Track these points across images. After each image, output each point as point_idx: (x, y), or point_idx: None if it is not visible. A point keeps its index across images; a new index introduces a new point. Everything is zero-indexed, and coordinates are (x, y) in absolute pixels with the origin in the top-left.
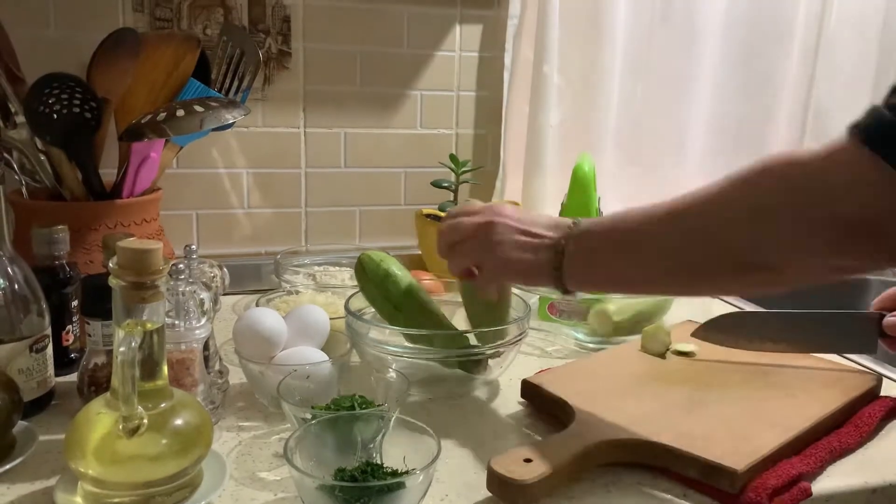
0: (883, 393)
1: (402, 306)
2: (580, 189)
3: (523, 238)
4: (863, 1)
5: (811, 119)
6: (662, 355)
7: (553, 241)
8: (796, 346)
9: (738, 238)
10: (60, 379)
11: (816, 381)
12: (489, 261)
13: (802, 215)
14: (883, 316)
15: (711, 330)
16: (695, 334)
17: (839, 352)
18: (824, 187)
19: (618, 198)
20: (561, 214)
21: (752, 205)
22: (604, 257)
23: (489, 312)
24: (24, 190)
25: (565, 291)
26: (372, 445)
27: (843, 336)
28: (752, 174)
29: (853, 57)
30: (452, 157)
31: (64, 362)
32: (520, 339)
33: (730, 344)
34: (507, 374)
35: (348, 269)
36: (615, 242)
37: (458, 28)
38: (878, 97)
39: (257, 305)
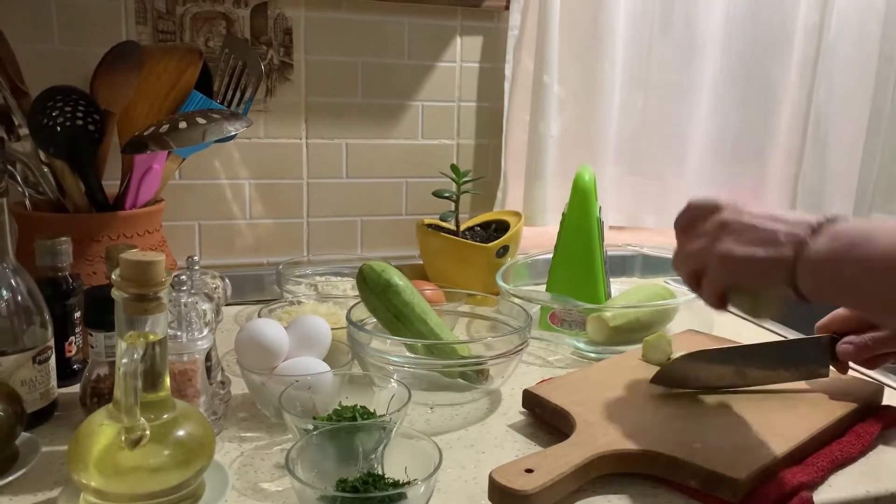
0: (885, 402)
1: (402, 316)
2: (581, 198)
3: (756, 232)
4: (861, 11)
5: (811, 129)
6: (664, 365)
7: (794, 234)
8: (749, 378)
9: None
10: (63, 390)
11: (818, 391)
12: (711, 261)
13: None
14: (833, 339)
15: (662, 378)
16: (652, 381)
17: (791, 380)
18: None
19: (618, 208)
20: (561, 224)
21: None
22: (851, 271)
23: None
24: (27, 202)
25: (799, 296)
26: (373, 456)
27: (796, 363)
28: None
29: (852, 67)
30: (453, 168)
31: (67, 373)
32: (521, 349)
33: (687, 386)
34: (509, 384)
35: (350, 279)
36: (868, 256)
37: (458, 39)
38: (877, 105)
39: (259, 316)
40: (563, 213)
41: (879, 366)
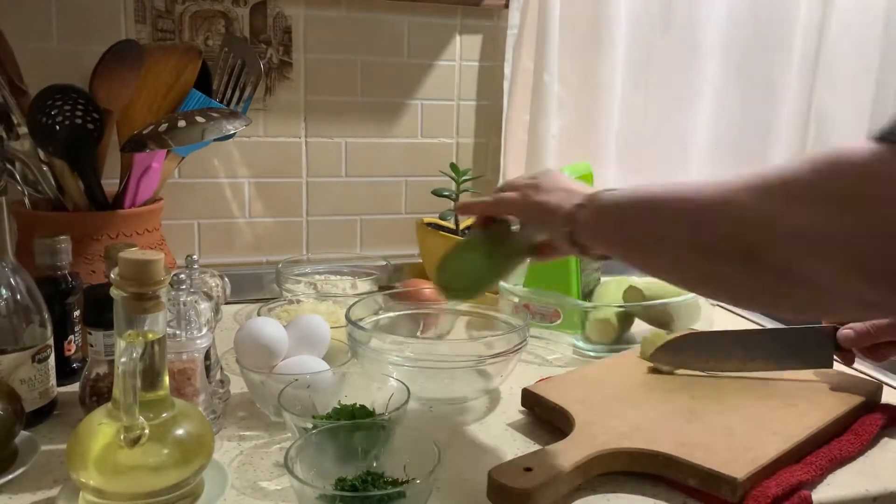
0: (883, 400)
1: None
2: None
3: (560, 190)
4: (862, 9)
5: (812, 127)
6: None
7: (583, 194)
8: (751, 364)
9: (753, 221)
10: (62, 389)
11: (817, 390)
12: (516, 195)
13: (842, 214)
14: (836, 328)
15: (665, 352)
16: (650, 357)
17: (795, 368)
18: (871, 185)
19: None
20: None
21: (781, 188)
22: (620, 213)
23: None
24: (26, 201)
25: (574, 243)
26: (372, 455)
27: (799, 352)
28: (792, 163)
29: (853, 65)
30: (453, 166)
31: (66, 372)
32: (520, 348)
33: (684, 366)
34: (508, 383)
35: (350, 277)
36: (637, 199)
37: (458, 38)
38: (879, 105)
39: (258, 315)
40: None
41: (887, 359)
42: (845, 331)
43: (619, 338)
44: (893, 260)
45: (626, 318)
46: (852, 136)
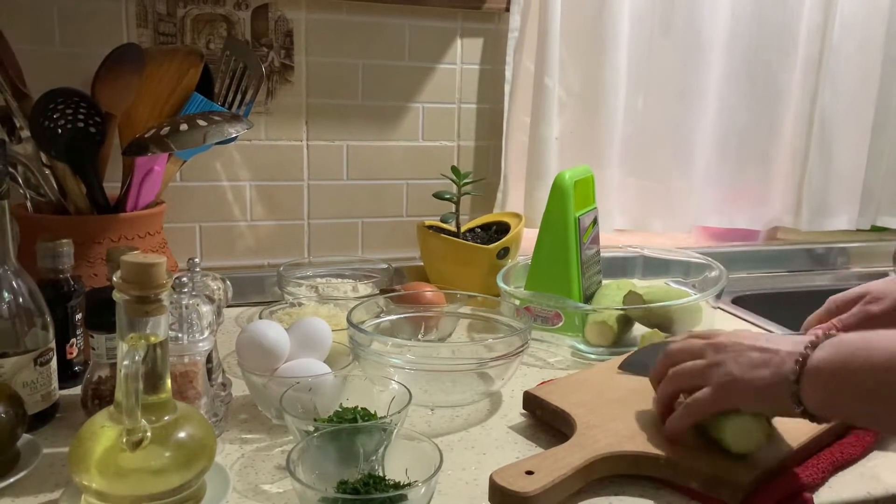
0: None
1: None
2: (559, 199)
3: (757, 354)
4: (866, 12)
5: (816, 130)
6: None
7: (793, 353)
8: None
9: None
10: (64, 392)
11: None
12: (713, 380)
13: None
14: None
15: (633, 363)
16: (620, 367)
17: None
18: None
19: (621, 210)
20: (542, 224)
21: None
22: (853, 379)
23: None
24: (28, 204)
25: (809, 416)
26: (374, 458)
27: None
28: None
29: (856, 68)
30: (454, 169)
31: (68, 375)
32: (522, 351)
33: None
34: (509, 386)
35: (351, 280)
36: (869, 361)
37: (459, 41)
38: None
39: (260, 318)
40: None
41: None
42: (811, 319)
43: (619, 340)
44: None
45: (625, 321)
46: (856, 138)
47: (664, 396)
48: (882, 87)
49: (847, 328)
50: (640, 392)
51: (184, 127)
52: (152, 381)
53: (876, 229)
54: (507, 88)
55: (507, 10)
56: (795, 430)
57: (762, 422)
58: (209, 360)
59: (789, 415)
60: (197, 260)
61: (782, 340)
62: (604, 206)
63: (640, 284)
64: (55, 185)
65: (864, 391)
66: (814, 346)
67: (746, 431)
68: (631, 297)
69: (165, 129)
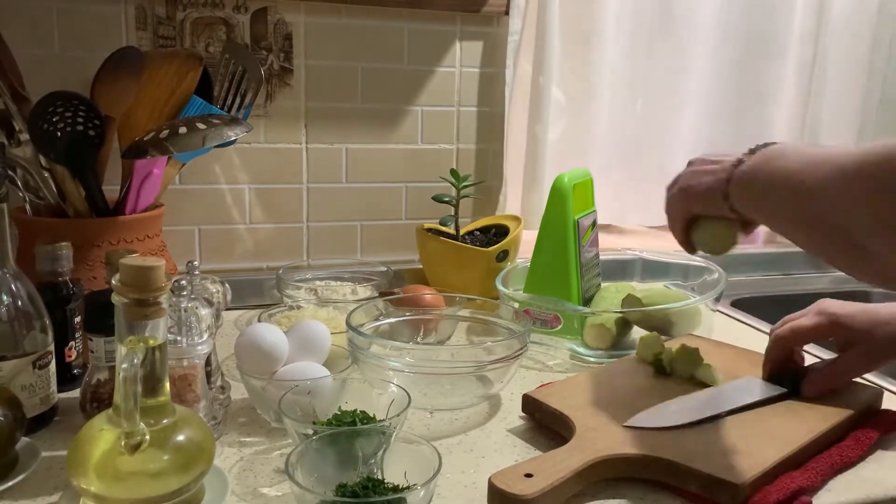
0: (884, 406)
1: None
2: (557, 201)
3: (706, 165)
4: (855, 18)
5: (807, 133)
6: (655, 363)
7: (732, 160)
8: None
9: (843, 209)
10: (63, 395)
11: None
12: (674, 192)
13: None
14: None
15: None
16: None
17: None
18: None
19: (616, 211)
20: (541, 227)
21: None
22: (760, 186)
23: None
24: (27, 207)
25: (736, 215)
26: (373, 461)
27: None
28: None
29: (846, 73)
30: (453, 172)
31: (67, 378)
32: (520, 354)
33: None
34: (508, 389)
35: (350, 283)
36: (772, 172)
37: (458, 44)
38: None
39: (259, 321)
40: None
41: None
42: (809, 387)
43: (617, 343)
44: None
45: (624, 324)
46: (844, 140)
47: (669, 225)
48: (870, 92)
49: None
50: (639, 395)
51: (183, 130)
52: (151, 384)
53: None
54: (507, 92)
55: (507, 13)
56: (794, 433)
57: (731, 226)
58: (208, 363)
59: (719, 208)
60: (196, 263)
61: (733, 153)
62: (604, 209)
63: (640, 287)
64: (54, 188)
65: (765, 196)
66: (751, 152)
67: (713, 234)
68: (629, 300)
69: (164, 133)
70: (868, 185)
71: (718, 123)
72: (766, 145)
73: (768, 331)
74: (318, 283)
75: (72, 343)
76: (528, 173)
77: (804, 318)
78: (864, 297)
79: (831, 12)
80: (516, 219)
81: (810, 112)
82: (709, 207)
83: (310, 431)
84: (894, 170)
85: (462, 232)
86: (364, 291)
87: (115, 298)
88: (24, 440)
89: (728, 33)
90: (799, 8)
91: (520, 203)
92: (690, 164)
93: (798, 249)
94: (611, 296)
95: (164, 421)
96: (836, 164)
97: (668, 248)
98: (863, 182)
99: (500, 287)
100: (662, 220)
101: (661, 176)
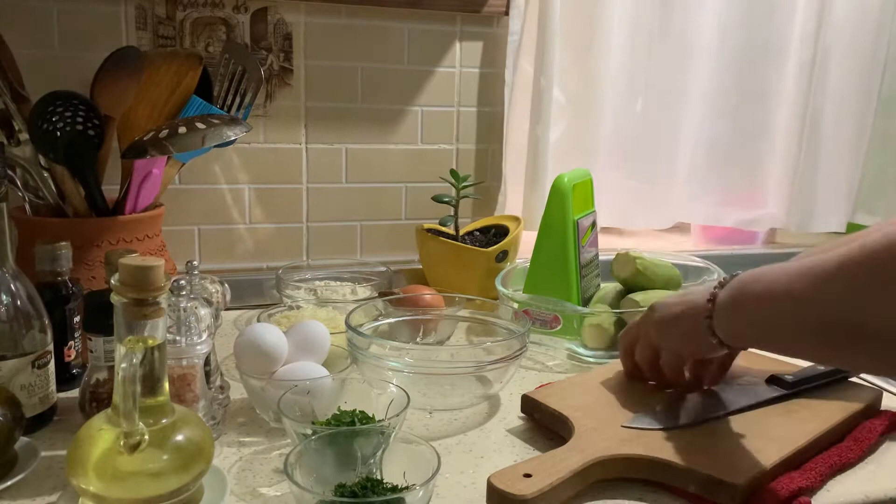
0: (883, 407)
1: None
2: (557, 202)
3: (680, 306)
4: (856, 17)
5: (807, 134)
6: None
7: (707, 294)
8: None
9: (852, 303)
10: (62, 395)
11: (816, 396)
12: (653, 331)
13: None
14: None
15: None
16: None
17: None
18: None
19: (617, 212)
20: (541, 227)
21: (873, 269)
22: (746, 310)
23: None
24: (27, 207)
25: (726, 346)
26: (372, 461)
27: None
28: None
29: (847, 72)
30: (453, 173)
31: (66, 378)
32: (520, 354)
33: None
34: (507, 389)
35: (350, 283)
36: (756, 294)
37: (458, 45)
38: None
39: (258, 321)
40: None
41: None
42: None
43: (615, 344)
44: None
45: (622, 324)
46: (847, 142)
47: (626, 349)
48: (871, 91)
49: None
50: (639, 395)
51: (182, 130)
52: (150, 384)
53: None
54: (507, 92)
55: (507, 13)
56: (793, 434)
57: None
58: (207, 362)
59: (711, 349)
60: (195, 263)
61: (695, 292)
62: (604, 209)
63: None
64: (54, 188)
65: (753, 320)
66: (721, 286)
67: None
68: (629, 300)
69: (164, 132)
70: (884, 272)
71: (720, 123)
72: (733, 276)
73: None
74: (317, 283)
75: (71, 343)
76: (530, 174)
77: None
78: None
79: (832, 13)
80: (516, 219)
81: (810, 112)
82: (699, 347)
83: (309, 431)
84: None
85: (462, 232)
86: (363, 291)
87: (114, 298)
88: (23, 440)
89: (729, 33)
90: (800, 8)
91: (521, 204)
92: (652, 310)
93: (798, 249)
94: (610, 296)
95: (164, 421)
96: (832, 263)
97: (666, 249)
98: (878, 270)
99: (500, 287)
100: (663, 220)
101: (662, 176)
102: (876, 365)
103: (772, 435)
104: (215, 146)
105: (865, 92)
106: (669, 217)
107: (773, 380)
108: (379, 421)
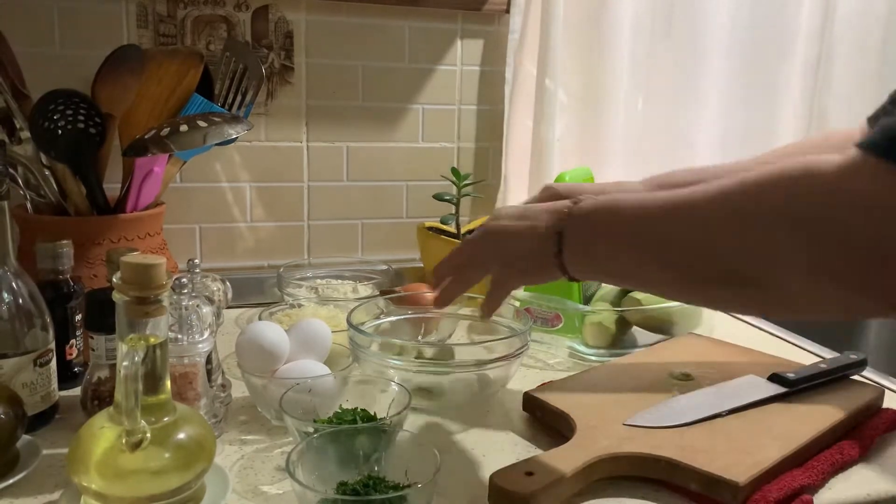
0: (885, 405)
1: None
2: None
3: (521, 223)
4: (863, 15)
5: (814, 132)
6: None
7: (552, 224)
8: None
9: (726, 243)
10: (64, 393)
11: (818, 394)
12: (493, 260)
13: (801, 230)
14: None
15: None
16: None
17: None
18: (835, 203)
19: None
20: None
21: (748, 209)
22: (603, 249)
23: None
24: (28, 205)
25: (573, 279)
26: (374, 459)
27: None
28: (762, 177)
29: (854, 70)
30: (454, 171)
31: (68, 376)
32: (521, 352)
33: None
34: (509, 387)
35: (351, 282)
36: (613, 234)
37: (459, 43)
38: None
39: (260, 319)
40: None
41: None
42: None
43: (617, 342)
44: (859, 266)
45: (624, 322)
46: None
47: (457, 289)
48: (880, 90)
49: None
50: (641, 393)
51: (184, 128)
52: (152, 382)
53: None
54: (507, 90)
55: (508, 11)
56: (795, 432)
57: None
58: (209, 361)
59: (551, 277)
60: (197, 261)
61: (540, 209)
62: None
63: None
64: (55, 186)
65: (609, 265)
66: (576, 203)
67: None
68: (629, 299)
69: (165, 130)
70: (770, 211)
71: (726, 122)
72: (593, 193)
73: (768, 330)
74: (318, 281)
75: (73, 341)
76: (534, 173)
77: None
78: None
79: (839, 9)
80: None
81: (816, 109)
82: (537, 273)
83: (311, 429)
84: (792, 195)
85: (463, 230)
86: (365, 290)
87: (115, 296)
88: (25, 438)
89: (736, 31)
90: (806, 5)
91: (523, 202)
92: (494, 217)
93: None
94: (612, 294)
95: (165, 419)
96: (715, 192)
97: None
98: (763, 208)
99: None
100: None
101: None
102: (731, 304)
103: (773, 433)
104: (216, 144)
105: (874, 89)
106: None
107: (775, 378)
108: (381, 419)
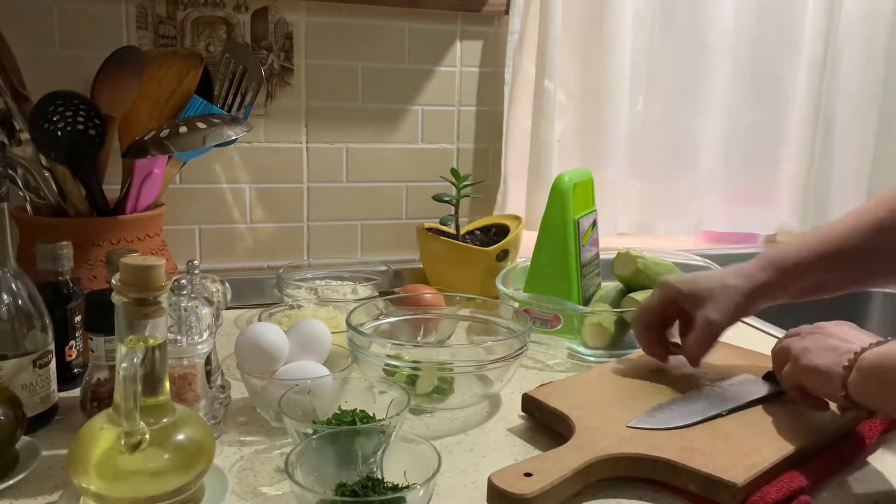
0: None
1: None
2: (557, 201)
3: (831, 341)
4: (869, 14)
5: (820, 131)
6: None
7: (855, 347)
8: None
9: None
10: (63, 394)
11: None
12: (790, 364)
13: None
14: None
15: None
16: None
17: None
18: None
19: (622, 212)
20: (541, 226)
21: None
22: (881, 400)
23: None
24: (28, 206)
25: (853, 404)
26: (373, 460)
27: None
28: None
29: (860, 70)
30: (453, 172)
31: (67, 377)
32: (521, 353)
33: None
34: (508, 388)
35: (350, 283)
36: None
37: (458, 44)
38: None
39: (259, 320)
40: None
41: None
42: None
43: (616, 343)
44: None
45: (623, 324)
46: (860, 140)
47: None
48: (886, 88)
49: None
50: (640, 394)
51: (183, 129)
52: (151, 383)
53: None
54: (506, 91)
55: (507, 12)
56: (794, 433)
57: None
58: (208, 362)
59: (836, 399)
60: (196, 262)
61: (860, 335)
62: (606, 210)
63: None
64: (55, 188)
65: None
66: (877, 344)
67: None
68: (629, 299)
69: (165, 132)
70: None
71: (730, 121)
72: (882, 341)
73: (769, 330)
74: (318, 282)
75: (72, 342)
76: (533, 173)
77: (650, 297)
78: (867, 296)
79: (844, 8)
80: (516, 218)
81: (823, 110)
82: (822, 386)
83: (310, 430)
84: None
85: (462, 231)
86: (364, 291)
87: (115, 298)
88: (24, 439)
89: (739, 30)
90: (811, 4)
91: (524, 203)
92: (807, 334)
93: None
94: (611, 295)
95: (164, 420)
96: None
97: (667, 248)
98: None
99: (501, 286)
100: (665, 222)
101: (668, 176)
102: None
103: (772, 434)
104: (216, 145)
105: (881, 89)
106: (691, 224)
107: (769, 376)
108: (379, 420)
